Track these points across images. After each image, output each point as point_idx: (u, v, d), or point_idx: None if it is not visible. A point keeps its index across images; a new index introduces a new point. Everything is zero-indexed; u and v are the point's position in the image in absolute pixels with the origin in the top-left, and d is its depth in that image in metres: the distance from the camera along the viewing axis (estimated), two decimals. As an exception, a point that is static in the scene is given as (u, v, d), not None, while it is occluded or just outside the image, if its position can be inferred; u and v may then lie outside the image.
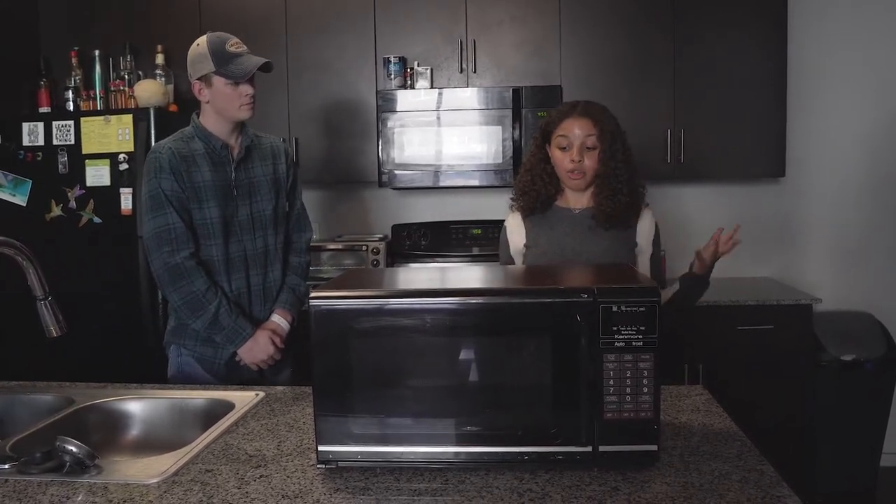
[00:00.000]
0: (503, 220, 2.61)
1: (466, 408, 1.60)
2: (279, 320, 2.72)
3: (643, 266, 2.44)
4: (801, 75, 4.25)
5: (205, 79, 2.58)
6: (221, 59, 2.55)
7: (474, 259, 4.13)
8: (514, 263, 2.55)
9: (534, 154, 2.49)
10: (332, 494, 1.52)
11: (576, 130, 2.38)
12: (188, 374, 2.66)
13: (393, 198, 4.58)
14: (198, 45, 2.59)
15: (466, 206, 4.42)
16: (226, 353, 2.64)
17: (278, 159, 2.79)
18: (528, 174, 2.50)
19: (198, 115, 2.69)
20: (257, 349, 2.63)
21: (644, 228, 2.44)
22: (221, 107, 2.61)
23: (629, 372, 1.54)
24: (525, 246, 2.51)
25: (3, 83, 4.09)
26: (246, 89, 2.58)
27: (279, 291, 2.76)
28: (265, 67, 2.60)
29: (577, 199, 2.47)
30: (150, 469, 1.65)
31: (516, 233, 2.54)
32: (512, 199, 2.57)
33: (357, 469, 1.62)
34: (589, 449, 1.56)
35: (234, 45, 2.58)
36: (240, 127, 2.69)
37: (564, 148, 2.40)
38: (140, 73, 4.15)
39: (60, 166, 3.76)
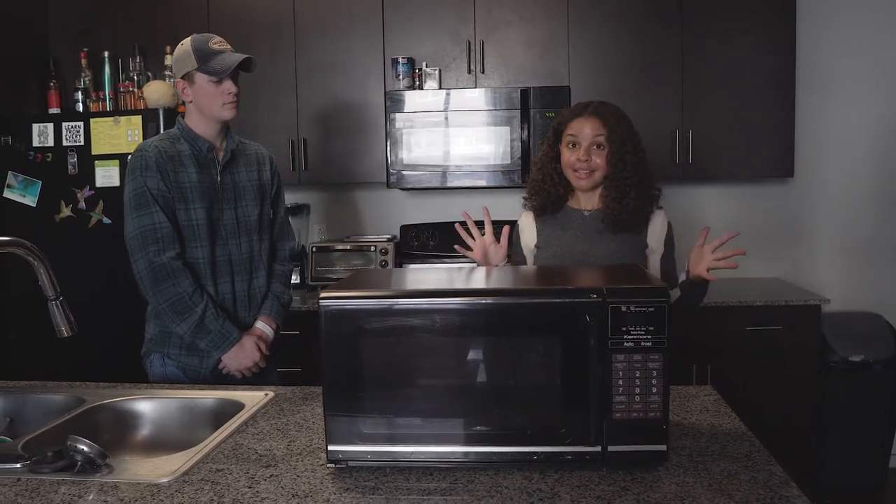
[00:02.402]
0: (511, 221, 2.61)
1: (476, 408, 1.61)
2: (264, 327, 2.70)
3: (654, 266, 2.44)
4: (809, 75, 4.24)
5: (188, 77, 2.57)
6: (203, 57, 2.53)
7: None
8: (524, 261, 2.56)
9: (545, 153, 2.49)
10: (341, 494, 1.52)
11: (585, 130, 2.38)
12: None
13: (401, 198, 4.58)
14: (182, 44, 2.58)
15: (475, 207, 4.40)
16: (211, 362, 2.60)
17: (263, 166, 2.78)
18: (539, 173, 2.50)
19: (183, 116, 2.67)
20: (243, 355, 2.60)
21: (655, 230, 2.43)
22: (204, 105, 2.58)
23: (638, 372, 1.54)
24: (536, 247, 2.52)
25: (13, 84, 4.11)
26: (228, 87, 2.56)
27: (263, 298, 2.74)
28: (246, 64, 2.58)
29: (587, 201, 2.47)
30: (161, 468, 1.66)
31: (528, 232, 2.55)
32: (524, 197, 2.58)
33: (367, 469, 1.62)
34: (598, 449, 1.56)
35: (217, 43, 2.57)
36: (225, 130, 2.68)
37: (573, 146, 2.40)
38: (149, 74, 4.17)
39: (70, 167, 3.77)
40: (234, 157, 2.69)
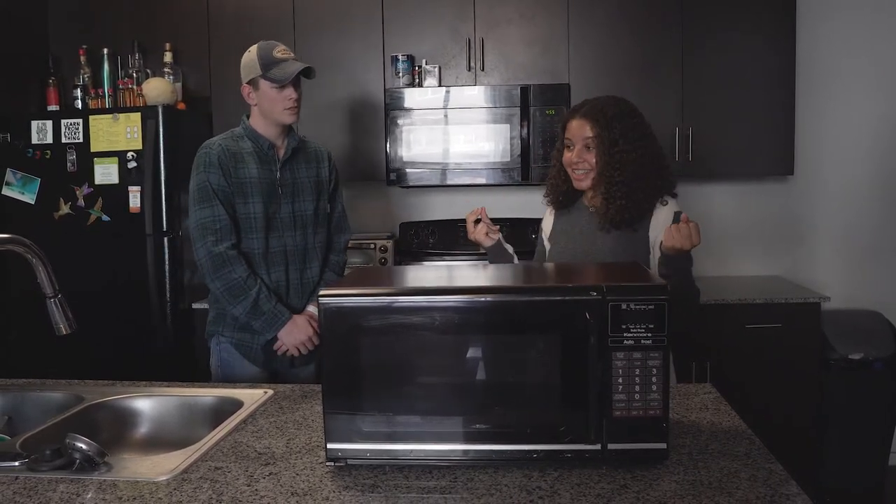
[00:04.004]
0: (511, 219, 2.62)
1: (475, 406, 1.60)
2: (315, 310, 2.81)
3: (657, 257, 2.40)
4: (810, 73, 4.24)
5: (252, 83, 2.75)
6: (267, 64, 2.70)
7: (482, 257, 4.12)
8: (545, 252, 2.61)
9: (558, 150, 2.53)
10: (341, 492, 1.52)
11: (576, 132, 2.40)
12: (228, 363, 2.81)
13: (401, 196, 4.58)
14: (249, 52, 2.76)
15: (474, 205, 4.33)
16: (262, 339, 2.76)
17: (321, 163, 2.94)
18: (553, 169, 2.55)
19: (248, 117, 2.84)
20: (297, 331, 2.75)
21: (659, 223, 2.39)
22: (267, 109, 2.75)
23: (638, 370, 1.54)
24: (548, 241, 2.59)
25: (12, 81, 4.11)
26: (289, 93, 2.72)
27: (316, 286, 2.87)
28: (307, 72, 2.73)
29: (593, 197, 2.47)
30: (160, 467, 1.65)
31: (546, 225, 2.64)
32: (544, 194, 2.63)
33: (366, 467, 1.62)
34: (598, 447, 1.56)
35: (282, 51, 2.74)
36: (286, 131, 2.84)
37: (570, 147, 2.43)
38: (148, 71, 4.16)
39: (69, 164, 3.77)
40: (294, 155, 2.85)
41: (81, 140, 3.75)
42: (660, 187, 2.41)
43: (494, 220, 2.58)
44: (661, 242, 2.22)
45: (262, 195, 2.75)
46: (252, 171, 2.75)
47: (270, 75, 2.69)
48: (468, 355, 1.61)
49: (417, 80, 4.07)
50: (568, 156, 2.43)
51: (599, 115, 2.37)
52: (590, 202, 2.49)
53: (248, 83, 2.76)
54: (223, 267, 2.66)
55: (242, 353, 2.80)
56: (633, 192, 2.35)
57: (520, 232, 4.05)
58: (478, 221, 2.56)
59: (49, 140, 3.79)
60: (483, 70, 4.07)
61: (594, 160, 2.38)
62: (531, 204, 4.16)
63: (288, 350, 2.77)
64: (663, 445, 1.56)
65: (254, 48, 2.75)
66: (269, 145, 2.79)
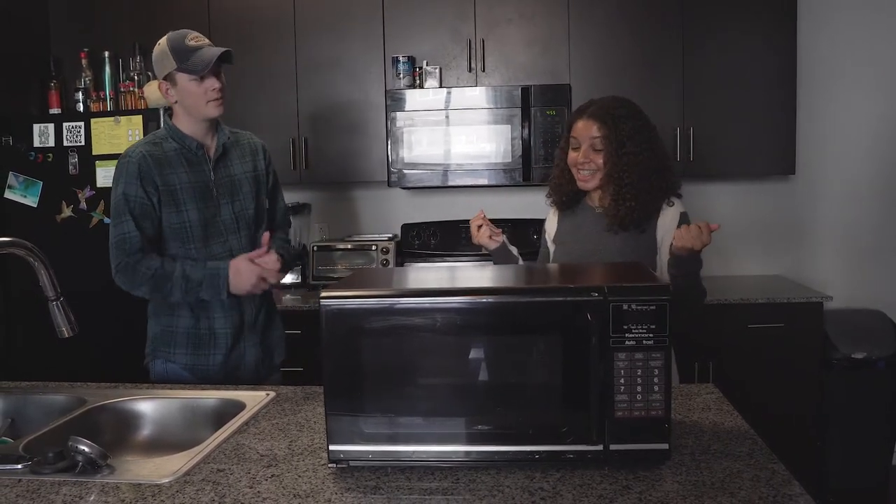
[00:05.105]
0: (513, 219, 2.62)
1: (477, 407, 1.60)
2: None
3: (664, 259, 2.39)
4: (810, 73, 4.24)
5: (169, 78, 2.49)
6: (182, 55, 2.45)
7: (484, 258, 4.12)
8: (549, 254, 2.60)
9: (562, 149, 2.53)
10: (343, 494, 1.52)
11: (583, 132, 2.40)
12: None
13: (402, 197, 4.58)
14: (159, 44, 2.51)
15: (476, 205, 4.35)
16: (218, 358, 2.58)
17: (257, 156, 2.72)
18: (556, 169, 2.55)
19: (170, 116, 2.62)
20: (244, 277, 2.49)
21: (665, 223, 2.38)
22: (190, 105, 2.51)
23: (640, 370, 1.54)
24: (553, 242, 2.58)
25: (14, 84, 4.11)
26: (211, 83, 2.47)
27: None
28: (227, 57, 2.50)
29: (601, 198, 2.47)
30: (162, 469, 1.66)
31: (550, 227, 2.62)
32: (547, 194, 2.62)
33: (368, 468, 1.62)
34: (600, 447, 1.56)
35: (194, 38, 2.48)
36: (214, 125, 2.61)
37: (575, 148, 2.43)
38: (149, 73, 4.15)
39: (71, 167, 3.77)
40: (226, 151, 2.63)
41: (83, 143, 3.77)
42: (665, 188, 2.41)
43: (495, 221, 2.58)
44: (672, 244, 2.22)
45: (195, 201, 2.51)
46: (182, 177, 2.51)
47: (186, 66, 2.43)
48: (470, 356, 1.61)
49: (418, 82, 4.08)
50: (573, 156, 2.42)
51: (607, 116, 2.37)
52: (598, 203, 2.48)
53: (165, 79, 2.49)
54: (135, 270, 2.45)
55: (196, 374, 2.57)
56: (641, 194, 2.35)
57: (521, 232, 4.05)
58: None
59: (51, 143, 3.81)
60: (484, 71, 4.08)
61: (601, 161, 2.37)
62: (533, 204, 4.16)
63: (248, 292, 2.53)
64: (665, 446, 1.56)
65: (163, 40, 2.48)
66: (198, 145, 2.54)
